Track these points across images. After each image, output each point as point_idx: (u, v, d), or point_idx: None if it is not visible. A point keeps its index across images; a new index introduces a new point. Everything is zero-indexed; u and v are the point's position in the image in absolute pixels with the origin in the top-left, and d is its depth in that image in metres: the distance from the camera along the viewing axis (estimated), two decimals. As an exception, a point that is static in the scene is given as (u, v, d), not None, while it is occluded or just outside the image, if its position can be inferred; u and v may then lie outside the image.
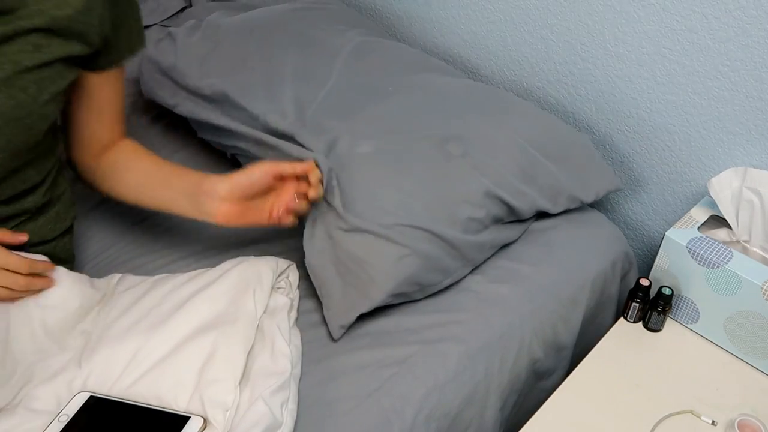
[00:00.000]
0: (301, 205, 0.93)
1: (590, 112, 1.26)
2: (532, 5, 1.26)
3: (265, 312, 0.91)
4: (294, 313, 0.96)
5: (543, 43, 1.28)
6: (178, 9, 1.75)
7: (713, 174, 1.13)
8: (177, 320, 0.88)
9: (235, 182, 0.91)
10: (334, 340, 0.94)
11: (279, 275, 0.98)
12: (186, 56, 1.23)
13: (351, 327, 0.95)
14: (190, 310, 0.89)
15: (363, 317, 0.96)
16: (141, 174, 0.98)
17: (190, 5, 1.77)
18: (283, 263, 1.00)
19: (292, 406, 0.82)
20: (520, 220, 1.10)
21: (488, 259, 1.07)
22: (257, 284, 0.92)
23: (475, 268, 1.06)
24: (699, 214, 1.08)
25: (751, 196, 1.02)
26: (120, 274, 0.98)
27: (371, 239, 0.93)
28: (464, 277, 1.04)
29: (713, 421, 0.92)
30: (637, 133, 1.21)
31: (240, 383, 0.81)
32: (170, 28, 1.36)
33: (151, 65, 1.28)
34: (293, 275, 1.01)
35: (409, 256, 0.93)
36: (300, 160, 0.99)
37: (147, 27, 1.69)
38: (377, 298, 0.93)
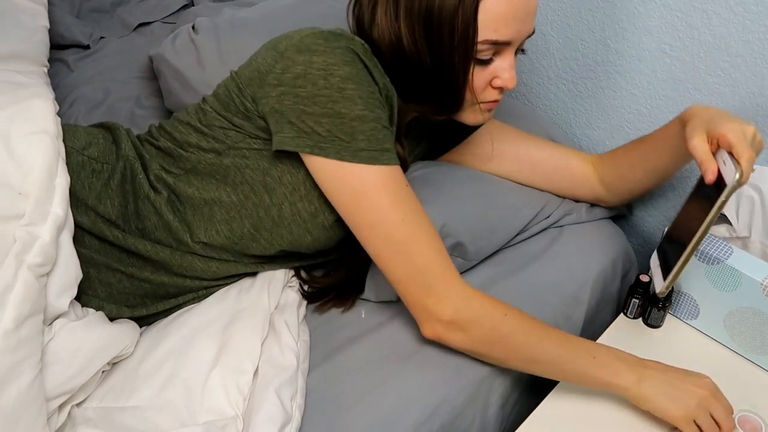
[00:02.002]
0: None
1: (590, 109, 1.26)
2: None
3: (276, 307, 0.93)
4: (303, 309, 0.98)
5: (543, 40, 1.28)
6: (180, 6, 1.76)
7: (714, 170, 1.13)
8: (186, 317, 0.90)
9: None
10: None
11: (293, 275, 1.00)
12: (210, 61, 1.25)
13: (356, 323, 0.97)
14: (202, 307, 0.92)
15: (368, 313, 0.98)
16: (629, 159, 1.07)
17: (192, 4, 1.77)
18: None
19: (300, 400, 0.83)
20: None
21: (491, 257, 1.08)
22: (271, 280, 0.95)
23: (477, 265, 1.07)
24: (699, 211, 1.08)
25: (751, 192, 1.02)
26: None
27: None
28: (466, 273, 1.05)
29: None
30: (638, 129, 1.21)
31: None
32: (184, 27, 1.37)
33: (171, 69, 1.30)
34: (304, 273, 1.03)
35: None
36: None
37: (149, 23, 1.70)
38: None
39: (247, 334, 0.86)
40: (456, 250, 1.01)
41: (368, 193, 0.82)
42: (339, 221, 0.88)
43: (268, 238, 0.90)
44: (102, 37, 1.64)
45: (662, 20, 1.09)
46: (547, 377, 0.90)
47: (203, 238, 0.89)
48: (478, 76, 0.87)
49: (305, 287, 1.00)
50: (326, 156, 0.81)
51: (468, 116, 0.93)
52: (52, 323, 0.78)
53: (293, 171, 0.86)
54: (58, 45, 1.58)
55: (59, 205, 0.78)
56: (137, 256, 0.89)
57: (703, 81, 1.08)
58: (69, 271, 0.79)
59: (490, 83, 0.89)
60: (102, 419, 0.79)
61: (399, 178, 0.84)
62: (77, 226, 0.84)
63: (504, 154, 1.11)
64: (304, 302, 0.99)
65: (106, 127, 0.95)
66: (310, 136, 0.81)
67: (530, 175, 1.12)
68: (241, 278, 0.97)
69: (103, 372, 0.86)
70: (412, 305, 0.87)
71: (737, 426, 0.88)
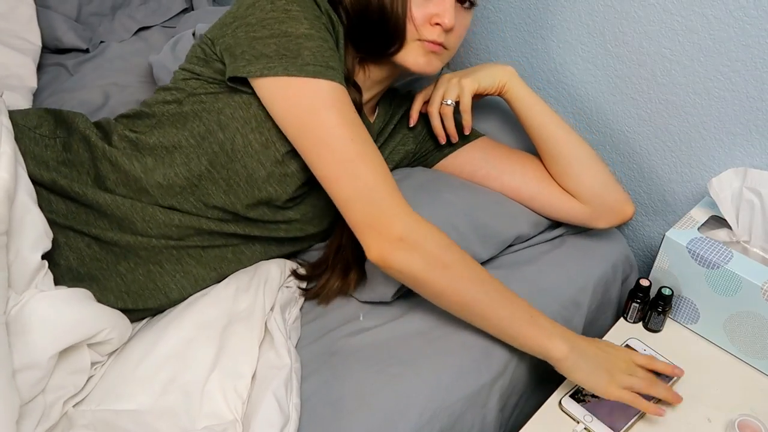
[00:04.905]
0: None
1: (590, 113, 1.26)
2: (532, 5, 1.26)
3: (272, 309, 0.93)
4: (296, 311, 0.98)
5: (543, 44, 1.28)
6: (179, 10, 1.76)
7: (713, 174, 1.13)
8: (184, 317, 0.90)
9: None
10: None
11: (289, 275, 1.01)
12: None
13: (355, 327, 0.97)
14: (199, 308, 0.91)
15: (367, 317, 0.98)
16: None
17: (192, 8, 1.77)
18: (292, 264, 1.03)
19: (296, 400, 0.83)
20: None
21: (491, 260, 1.08)
22: (266, 281, 0.95)
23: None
24: (699, 215, 1.08)
25: (751, 197, 1.02)
26: None
27: None
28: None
29: (709, 419, 0.92)
30: (638, 134, 1.21)
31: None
32: (184, 33, 1.37)
33: (171, 75, 1.29)
34: (301, 269, 1.03)
35: None
36: None
37: (148, 28, 1.70)
38: None
39: (245, 336, 0.86)
40: None
41: (317, 110, 0.84)
42: (290, 154, 0.90)
43: (225, 177, 0.90)
44: (102, 42, 1.64)
45: (662, 24, 1.09)
46: (480, 328, 0.91)
47: (160, 180, 0.90)
48: (418, 10, 0.92)
49: (303, 285, 1.01)
50: (275, 74, 0.84)
51: (409, 55, 0.95)
52: (23, 293, 0.77)
53: (245, 106, 0.89)
54: (57, 49, 1.58)
55: (5, 170, 0.78)
56: (100, 213, 0.89)
57: (703, 85, 1.08)
58: (36, 226, 0.80)
59: (429, 21, 0.93)
60: (100, 422, 0.79)
61: (345, 99, 0.86)
62: (40, 185, 0.86)
63: (490, 176, 1.13)
64: (298, 304, 0.99)
65: (55, 113, 0.97)
66: (259, 59, 0.84)
67: (516, 198, 1.13)
68: (214, 241, 0.95)
69: (101, 364, 0.85)
70: (359, 225, 0.86)
71: (737, 430, 0.88)
